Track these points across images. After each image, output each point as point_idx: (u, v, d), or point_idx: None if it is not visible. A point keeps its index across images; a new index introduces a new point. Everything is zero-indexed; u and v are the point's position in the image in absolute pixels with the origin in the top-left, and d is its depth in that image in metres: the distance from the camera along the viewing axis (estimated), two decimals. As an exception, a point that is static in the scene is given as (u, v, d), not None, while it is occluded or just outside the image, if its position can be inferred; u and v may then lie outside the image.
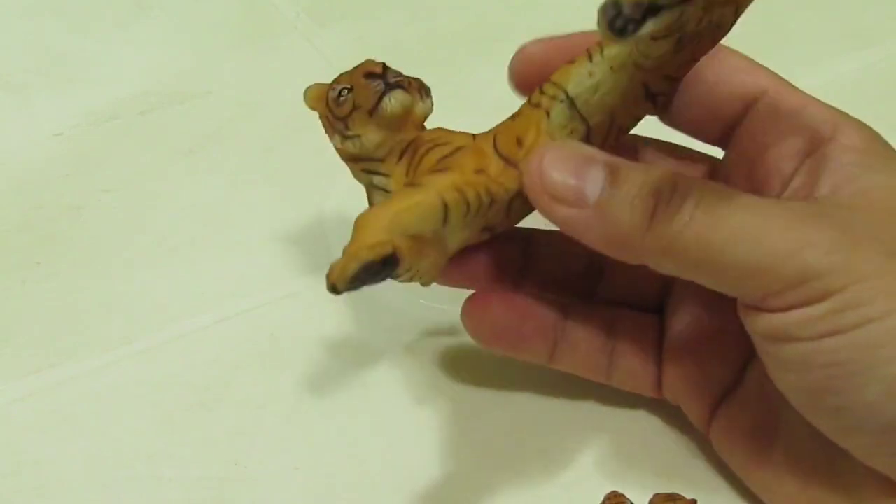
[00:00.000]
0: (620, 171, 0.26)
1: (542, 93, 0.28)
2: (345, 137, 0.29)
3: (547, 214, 0.26)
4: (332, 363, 0.35)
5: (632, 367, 0.32)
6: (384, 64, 0.29)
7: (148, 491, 0.31)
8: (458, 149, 0.28)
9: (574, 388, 0.33)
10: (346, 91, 0.29)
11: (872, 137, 0.27)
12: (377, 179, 0.29)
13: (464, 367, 0.34)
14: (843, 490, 0.27)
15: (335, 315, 0.36)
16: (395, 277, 0.25)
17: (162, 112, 0.45)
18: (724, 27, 0.26)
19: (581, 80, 0.27)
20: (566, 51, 0.28)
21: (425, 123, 0.29)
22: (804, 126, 0.28)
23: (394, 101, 0.28)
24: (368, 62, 0.29)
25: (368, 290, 0.37)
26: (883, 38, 0.50)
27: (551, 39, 0.30)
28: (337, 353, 0.35)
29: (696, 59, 0.28)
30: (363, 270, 0.23)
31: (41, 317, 0.36)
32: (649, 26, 0.20)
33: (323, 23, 0.51)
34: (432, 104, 0.29)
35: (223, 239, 0.39)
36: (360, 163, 0.30)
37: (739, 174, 0.29)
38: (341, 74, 0.29)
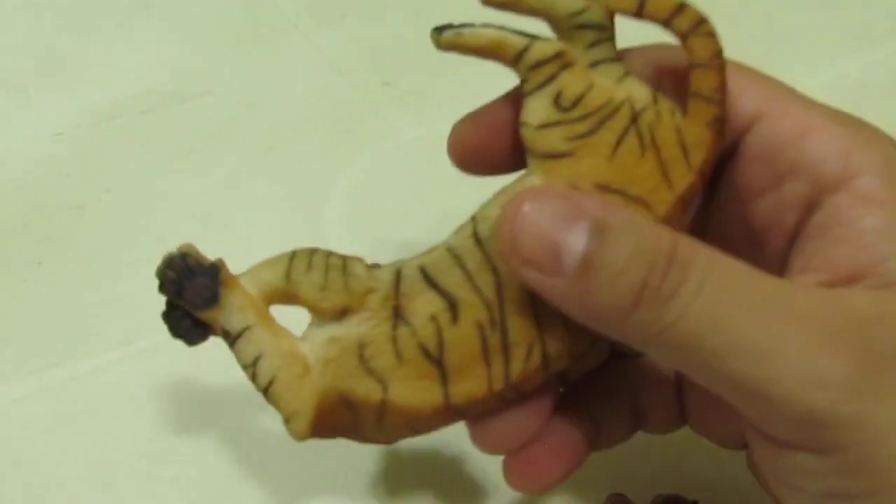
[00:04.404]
0: (610, 230, 0.21)
1: None
2: None
3: (519, 277, 0.22)
4: (332, 363, 0.35)
5: (659, 413, 0.29)
6: None
7: (148, 491, 0.31)
8: None
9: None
10: None
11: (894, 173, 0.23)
12: None
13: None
14: None
15: (335, 315, 0.36)
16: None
17: (162, 112, 0.45)
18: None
19: None
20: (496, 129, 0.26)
21: None
22: (806, 164, 0.23)
23: None
24: None
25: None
26: (884, 37, 0.50)
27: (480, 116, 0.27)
28: (337, 353, 0.35)
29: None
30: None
31: (41, 317, 0.36)
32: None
33: (323, 23, 0.51)
34: None
35: (223, 239, 0.39)
36: None
37: (732, 218, 0.25)
38: None
